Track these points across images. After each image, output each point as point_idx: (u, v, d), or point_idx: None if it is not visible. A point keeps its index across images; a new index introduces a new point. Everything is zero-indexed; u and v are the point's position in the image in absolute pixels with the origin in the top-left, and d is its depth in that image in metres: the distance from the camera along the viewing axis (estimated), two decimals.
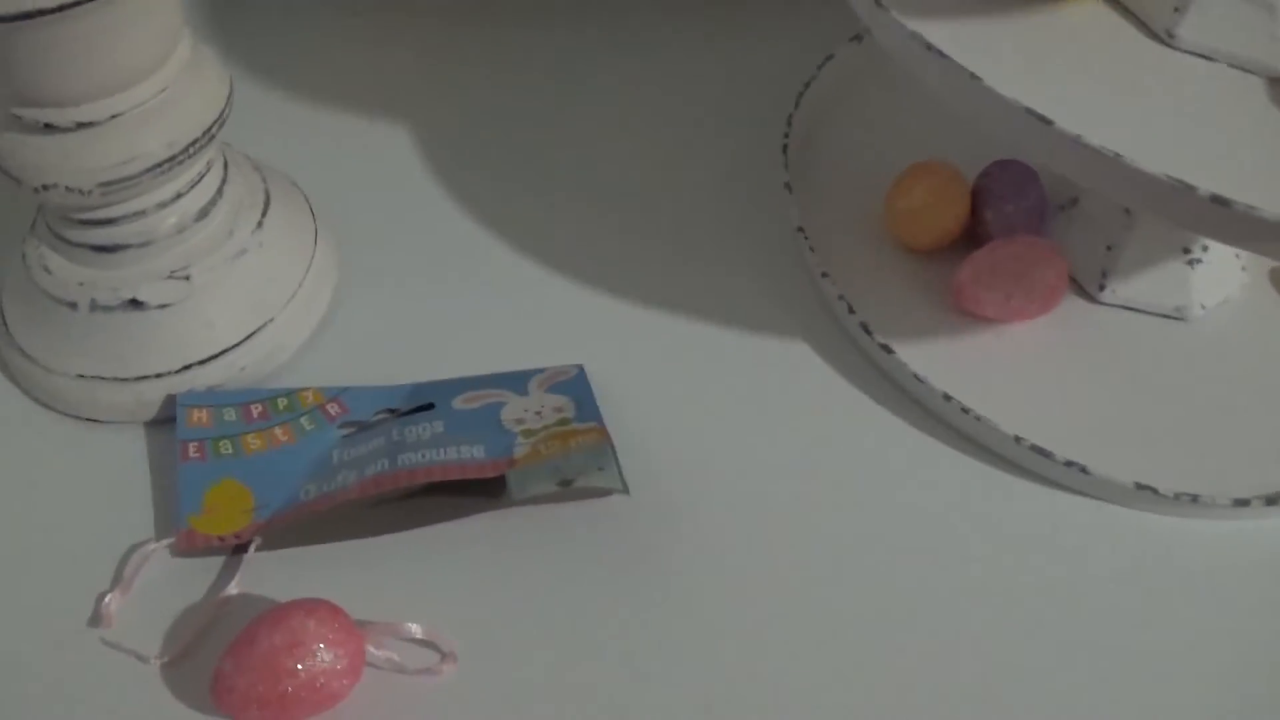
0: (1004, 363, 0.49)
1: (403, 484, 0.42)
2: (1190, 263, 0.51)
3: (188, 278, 0.44)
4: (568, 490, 0.42)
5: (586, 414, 0.45)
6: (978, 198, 0.52)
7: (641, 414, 0.47)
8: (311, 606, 0.38)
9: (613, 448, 0.43)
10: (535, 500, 0.43)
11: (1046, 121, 0.37)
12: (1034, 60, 0.40)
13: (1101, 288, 0.52)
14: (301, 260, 0.49)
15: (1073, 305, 0.52)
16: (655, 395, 0.48)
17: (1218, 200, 0.35)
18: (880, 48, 0.45)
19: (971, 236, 0.52)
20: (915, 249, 0.52)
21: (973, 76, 0.39)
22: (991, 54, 0.40)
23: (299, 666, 0.36)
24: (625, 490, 0.41)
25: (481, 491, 0.44)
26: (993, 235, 0.51)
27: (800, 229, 0.52)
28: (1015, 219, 0.51)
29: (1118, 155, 0.36)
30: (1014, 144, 0.40)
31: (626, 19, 0.66)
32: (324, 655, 0.37)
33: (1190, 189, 0.36)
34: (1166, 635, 0.42)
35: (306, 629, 0.37)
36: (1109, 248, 0.51)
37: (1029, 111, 0.38)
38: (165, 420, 0.45)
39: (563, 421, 0.45)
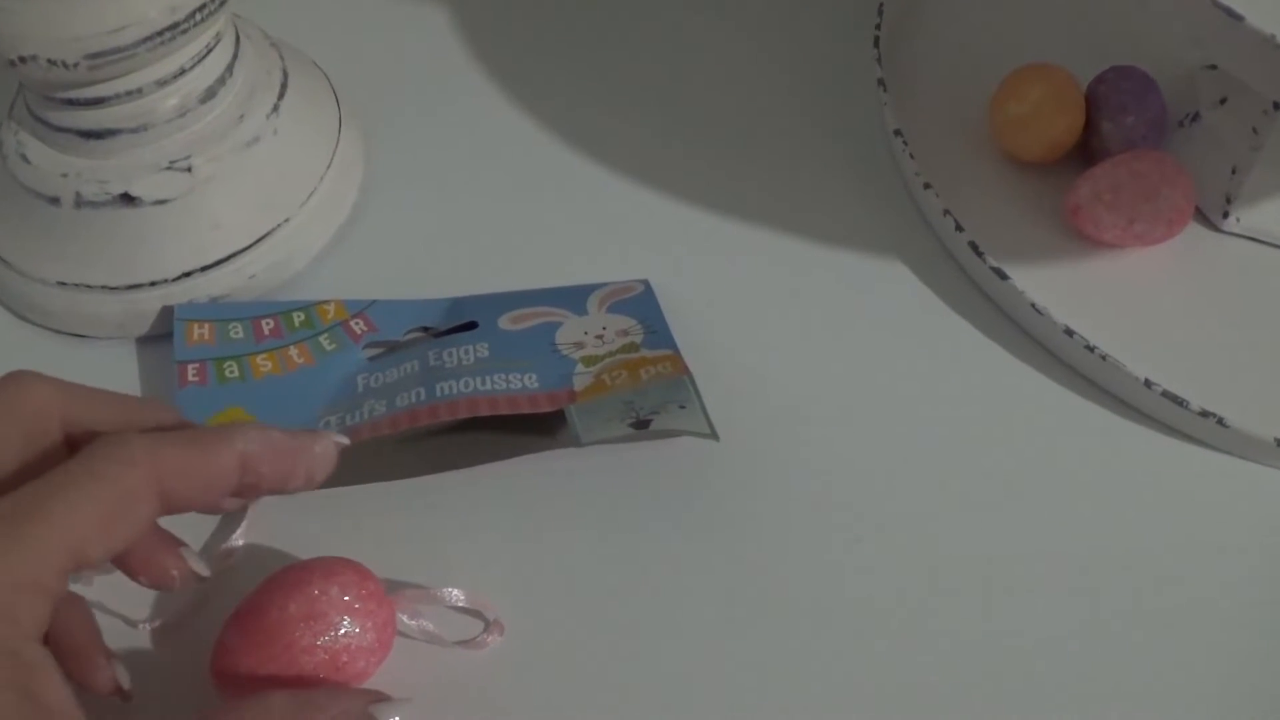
0: (1125, 295, 0.43)
1: (441, 418, 0.36)
2: None
3: (189, 169, 0.39)
4: (643, 433, 0.35)
5: (658, 339, 0.39)
6: (1092, 107, 0.46)
7: (717, 340, 0.41)
8: (333, 569, 0.32)
9: (693, 382, 0.37)
10: (603, 443, 0.37)
11: (1236, 17, 0.31)
12: None
13: (1225, 215, 0.46)
14: (323, 152, 0.43)
15: (1193, 233, 0.46)
16: (730, 318, 0.42)
17: None
18: None
19: (1085, 150, 0.46)
20: (1023, 160, 0.47)
21: None
22: None
23: (318, 642, 0.31)
24: (713, 435, 0.35)
25: (534, 429, 0.38)
26: (1109, 149, 0.45)
27: (897, 132, 0.46)
28: (1135, 133, 0.45)
29: None
30: (1194, 40, 0.34)
31: None
32: (349, 628, 0.31)
33: None
34: None
35: (329, 597, 0.31)
36: (1234, 170, 0.46)
37: (1215, 4, 0.32)
38: (161, 337, 0.40)
39: (629, 347, 0.39)
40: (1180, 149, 0.47)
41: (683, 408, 0.36)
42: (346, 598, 0.31)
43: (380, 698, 0.29)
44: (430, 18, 0.52)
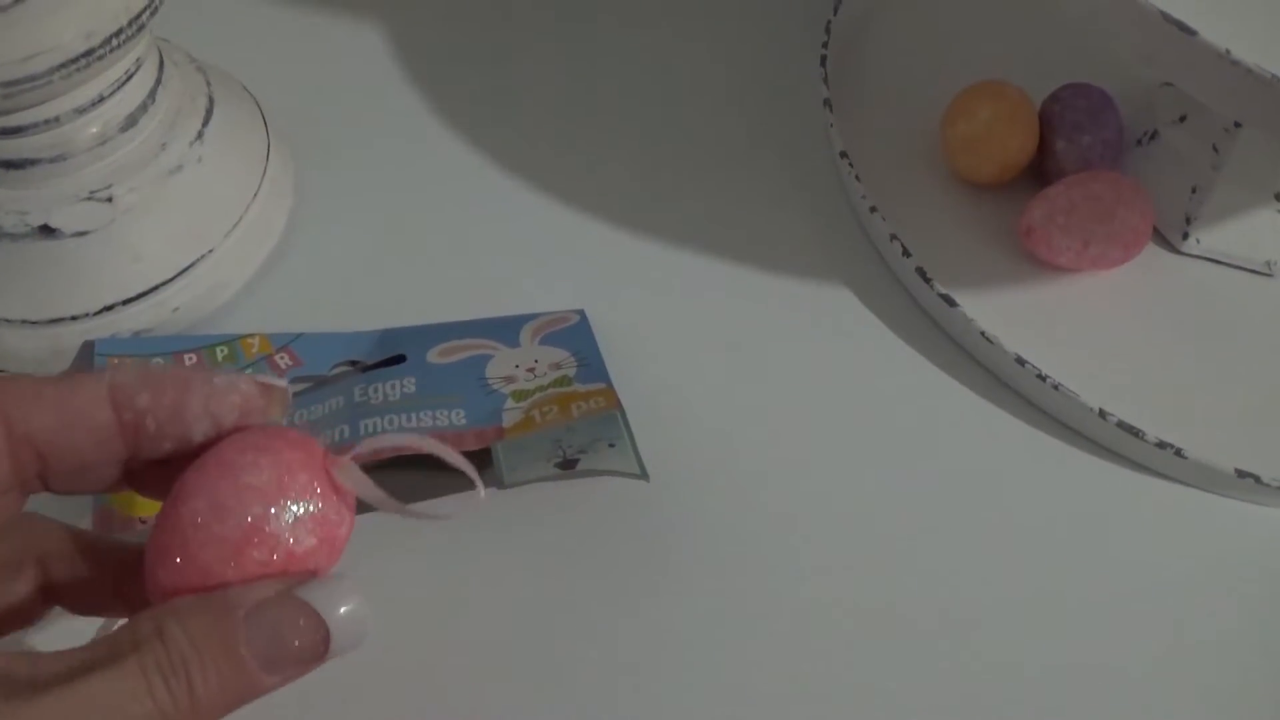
0: (1079, 320, 0.42)
1: (364, 457, 0.34)
2: None
3: (110, 199, 0.38)
4: (570, 473, 0.34)
5: (591, 371, 0.38)
6: (1046, 126, 0.45)
7: (653, 372, 0.40)
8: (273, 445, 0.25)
9: (625, 417, 0.36)
10: (528, 483, 0.35)
11: (1189, 32, 0.30)
12: None
13: (1185, 236, 0.45)
14: (250, 179, 0.42)
15: (1152, 255, 0.45)
16: (668, 349, 0.41)
17: None
18: None
19: (1039, 170, 0.45)
20: (975, 181, 0.45)
21: None
22: None
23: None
24: (643, 475, 0.34)
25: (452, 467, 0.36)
26: (1064, 170, 0.44)
27: (843, 154, 0.44)
28: (1091, 152, 0.44)
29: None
30: (1146, 56, 0.32)
31: None
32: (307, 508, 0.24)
33: None
34: (1268, 640, 0.36)
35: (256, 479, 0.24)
36: (1194, 190, 0.45)
37: (1166, 18, 0.30)
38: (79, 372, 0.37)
39: (561, 380, 0.37)
40: (1138, 168, 0.46)
41: (612, 446, 0.34)
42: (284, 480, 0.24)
43: (304, 579, 0.24)
44: (365, 40, 0.50)
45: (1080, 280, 0.43)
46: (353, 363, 0.39)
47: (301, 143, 0.45)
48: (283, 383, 0.26)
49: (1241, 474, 0.38)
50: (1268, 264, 0.45)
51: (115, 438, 0.24)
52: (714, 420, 0.39)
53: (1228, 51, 0.32)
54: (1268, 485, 0.38)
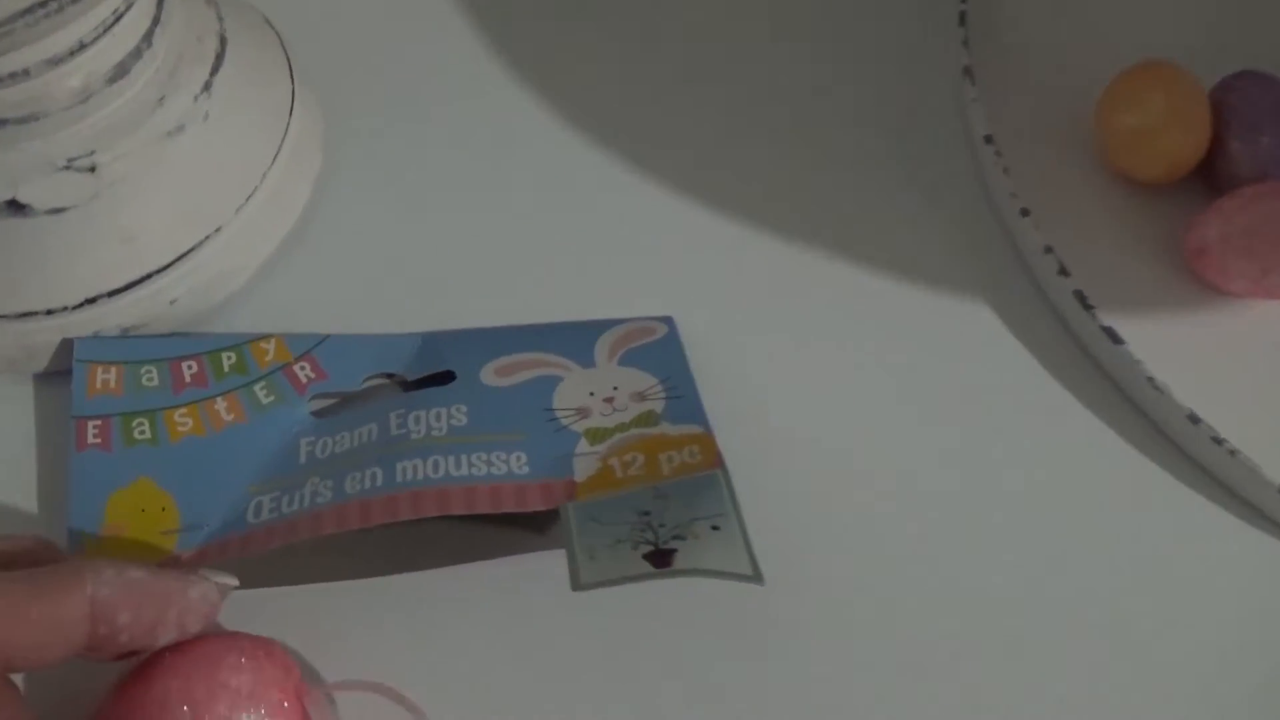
0: (1258, 365, 0.36)
1: (401, 516, 0.29)
2: None
3: (93, 169, 0.31)
4: (668, 572, 0.27)
5: (683, 407, 0.32)
6: (1218, 120, 0.38)
7: (749, 401, 0.33)
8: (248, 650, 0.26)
9: (729, 483, 0.29)
10: (609, 585, 0.28)
11: None
12: None
13: None
14: (268, 142, 0.35)
15: None
16: (768, 374, 0.34)
17: None
18: None
19: (1208, 171, 0.38)
20: (1134, 180, 0.38)
21: None
22: None
23: None
24: (757, 578, 0.27)
25: (520, 522, 0.30)
26: (1238, 174, 0.37)
27: (988, 139, 0.37)
28: (1271, 156, 0.37)
29: None
30: None
31: None
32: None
33: None
34: None
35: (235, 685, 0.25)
36: None
37: None
38: (60, 374, 0.32)
39: (647, 418, 0.31)
40: None
41: (716, 529, 0.28)
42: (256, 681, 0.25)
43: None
44: None
45: (1254, 311, 0.36)
46: (389, 375, 0.33)
47: (334, 95, 0.38)
48: (234, 581, 0.27)
49: None
50: None
51: (83, 643, 0.24)
52: (826, 470, 0.32)
53: None
54: None
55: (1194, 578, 0.32)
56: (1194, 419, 0.33)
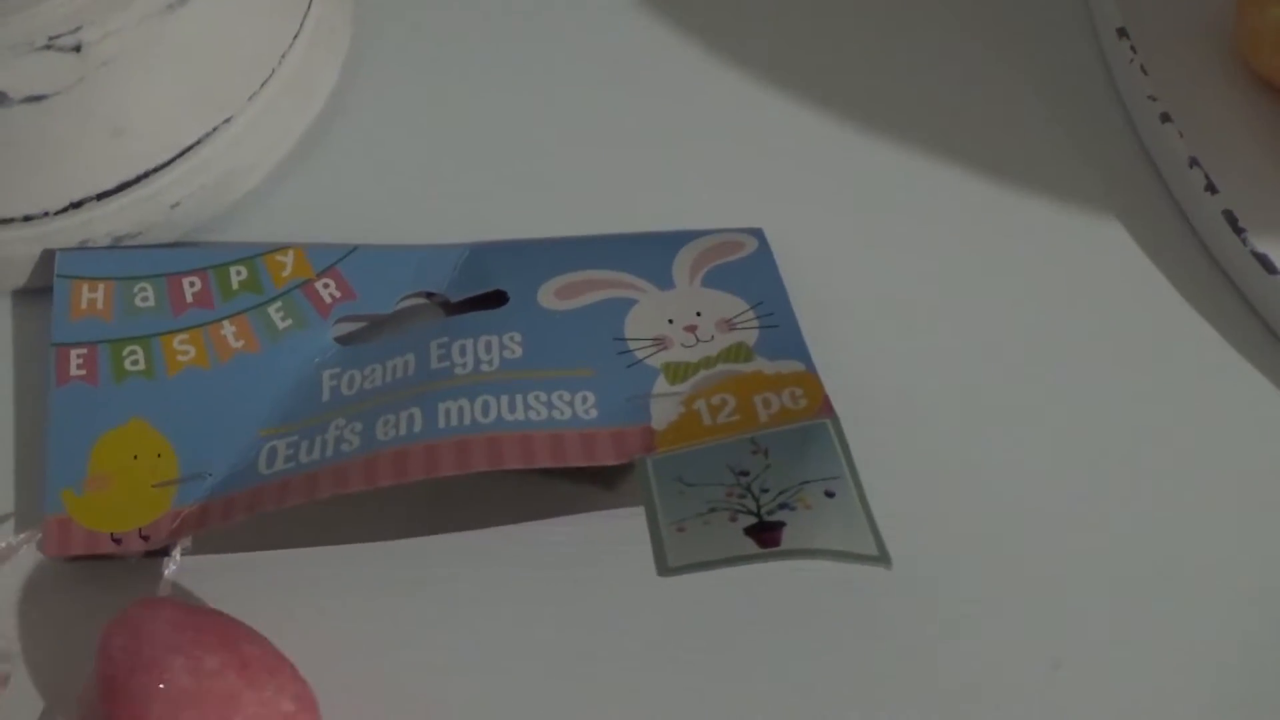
0: None
1: (443, 471, 0.25)
2: None
3: (78, 48, 0.27)
4: (770, 553, 0.23)
5: (781, 339, 0.27)
6: None
7: (851, 335, 0.29)
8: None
9: (841, 435, 0.24)
10: (703, 569, 0.24)
11: None
12: None
13: None
14: (287, 16, 0.31)
15: None
16: (866, 287, 0.30)
17: None
18: None
19: None
20: (1276, 85, 0.34)
21: None
22: None
23: None
24: (884, 559, 0.22)
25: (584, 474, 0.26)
26: None
27: (1122, 31, 0.33)
28: None
29: None
30: None
31: None
32: None
33: None
34: None
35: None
36: None
37: None
38: (40, 292, 0.28)
39: (738, 352, 0.27)
40: None
41: (831, 494, 0.23)
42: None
43: None
44: None
45: None
46: (429, 295, 0.29)
47: None
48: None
49: None
50: None
51: None
52: (945, 425, 0.28)
53: None
54: None
55: None
56: None
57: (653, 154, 0.32)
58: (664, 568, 0.22)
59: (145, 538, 0.25)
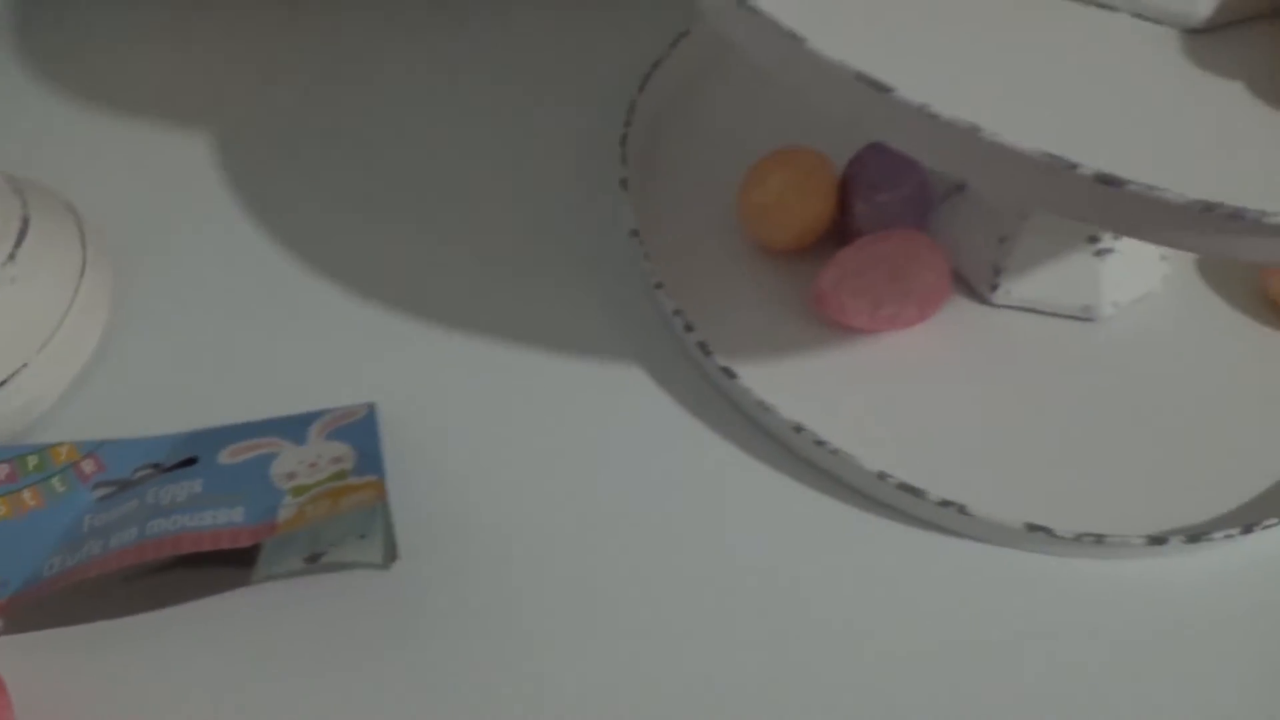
0: (874, 382, 0.43)
1: (148, 557, 0.36)
2: (1099, 253, 0.45)
3: None
4: (315, 567, 0.35)
5: (367, 464, 0.39)
6: (847, 188, 0.45)
7: (440, 457, 0.41)
8: None
9: (386, 508, 0.37)
10: (273, 579, 0.37)
11: (884, 89, 0.30)
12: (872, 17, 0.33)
13: (994, 287, 0.45)
14: (62, 297, 0.43)
15: (960, 309, 0.45)
16: (460, 434, 0.41)
17: (1106, 180, 0.28)
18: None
19: (841, 233, 0.45)
20: (773, 249, 0.46)
21: (792, 37, 0.31)
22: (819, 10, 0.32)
23: None
24: (383, 565, 0.35)
25: (238, 561, 0.38)
26: (863, 230, 0.45)
27: (634, 232, 0.45)
28: (890, 211, 0.44)
29: (975, 128, 0.29)
30: (849, 119, 0.32)
31: None
32: None
33: (1071, 167, 0.28)
34: (1066, 695, 0.36)
35: None
36: (1002, 240, 0.45)
37: (861, 78, 0.30)
38: None
39: (339, 475, 0.39)
40: (946, 223, 0.46)
41: (363, 537, 0.36)
42: None
43: None
44: (191, 151, 0.51)
45: (880, 341, 0.43)
46: (155, 466, 0.40)
47: (126, 253, 0.47)
48: None
49: (1033, 528, 0.38)
50: (1085, 308, 0.45)
51: None
52: (496, 499, 0.40)
53: (926, 105, 0.29)
54: (1061, 538, 0.38)
55: (805, 552, 0.38)
56: (798, 428, 0.39)
57: (317, 358, 0.43)
58: (251, 580, 0.35)
59: None
